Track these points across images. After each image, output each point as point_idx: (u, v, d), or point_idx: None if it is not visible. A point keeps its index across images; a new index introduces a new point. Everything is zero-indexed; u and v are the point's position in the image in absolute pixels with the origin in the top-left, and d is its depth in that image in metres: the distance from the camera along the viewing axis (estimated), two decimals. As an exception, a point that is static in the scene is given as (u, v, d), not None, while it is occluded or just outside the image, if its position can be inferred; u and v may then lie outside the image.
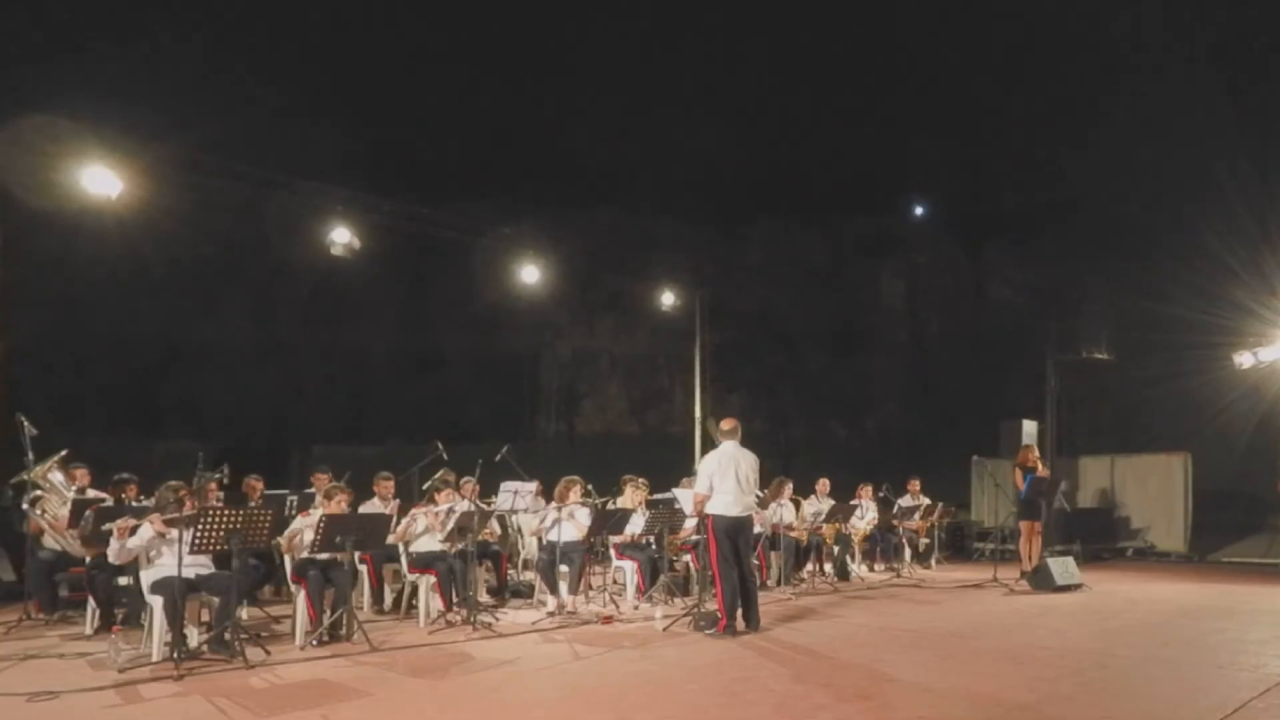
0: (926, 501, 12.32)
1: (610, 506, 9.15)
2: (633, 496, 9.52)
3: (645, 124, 32.61)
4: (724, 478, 7.10)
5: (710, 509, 7.16)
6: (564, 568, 8.12)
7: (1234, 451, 15.93)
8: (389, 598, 8.23)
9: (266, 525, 6.10)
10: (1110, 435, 17.49)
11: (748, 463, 7.24)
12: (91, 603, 6.91)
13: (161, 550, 5.98)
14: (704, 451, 14.64)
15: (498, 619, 7.45)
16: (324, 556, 6.73)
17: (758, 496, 8.09)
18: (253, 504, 8.17)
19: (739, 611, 7.07)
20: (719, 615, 7.03)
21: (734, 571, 7.08)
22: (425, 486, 8.29)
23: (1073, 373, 14.93)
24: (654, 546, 8.77)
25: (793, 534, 10.04)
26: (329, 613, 6.53)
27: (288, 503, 8.61)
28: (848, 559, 10.95)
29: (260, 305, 29.67)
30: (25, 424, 7.22)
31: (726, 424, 7.38)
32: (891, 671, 5.71)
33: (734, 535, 7.11)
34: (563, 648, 6.52)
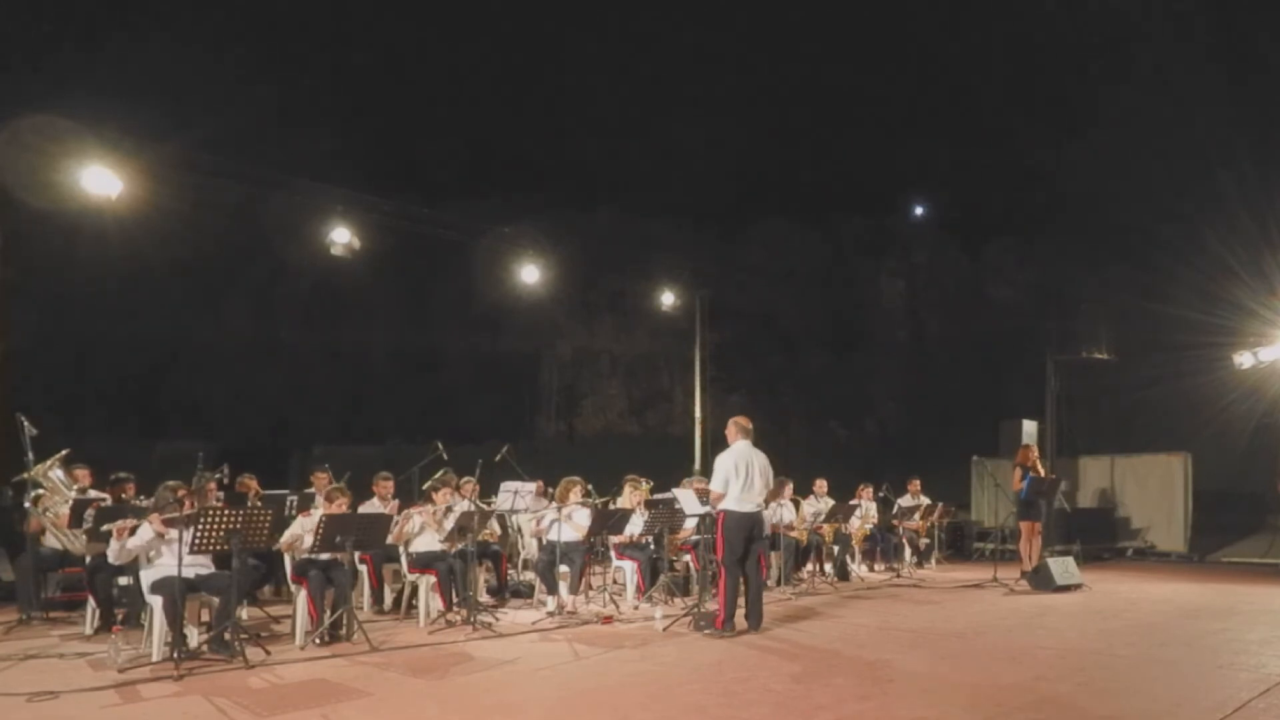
0: (926, 501, 12.31)
1: (610, 506, 9.15)
2: (632, 496, 9.52)
3: (645, 124, 32.59)
4: (739, 474, 7.16)
5: (724, 505, 7.21)
6: (564, 568, 8.13)
7: (1234, 451, 15.92)
8: (389, 598, 8.24)
9: (266, 525, 6.11)
10: (1110, 435, 17.45)
11: (760, 461, 7.30)
12: (91, 603, 6.92)
13: (161, 550, 5.99)
14: (704, 451, 14.68)
15: (498, 619, 7.46)
16: (324, 556, 6.74)
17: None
18: (250, 503, 8.17)
19: (740, 611, 7.09)
20: (718, 614, 7.04)
21: (740, 570, 7.12)
22: (425, 487, 8.30)
23: (1073, 373, 14.92)
24: (654, 546, 8.77)
25: (793, 534, 10.05)
26: (329, 612, 6.54)
27: (287, 503, 8.62)
28: (848, 559, 10.95)
29: (260, 305, 29.65)
30: (25, 424, 7.22)
31: (743, 422, 7.42)
32: (891, 671, 5.71)
33: (747, 531, 7.16)
34: (563, 648, 6.53)
